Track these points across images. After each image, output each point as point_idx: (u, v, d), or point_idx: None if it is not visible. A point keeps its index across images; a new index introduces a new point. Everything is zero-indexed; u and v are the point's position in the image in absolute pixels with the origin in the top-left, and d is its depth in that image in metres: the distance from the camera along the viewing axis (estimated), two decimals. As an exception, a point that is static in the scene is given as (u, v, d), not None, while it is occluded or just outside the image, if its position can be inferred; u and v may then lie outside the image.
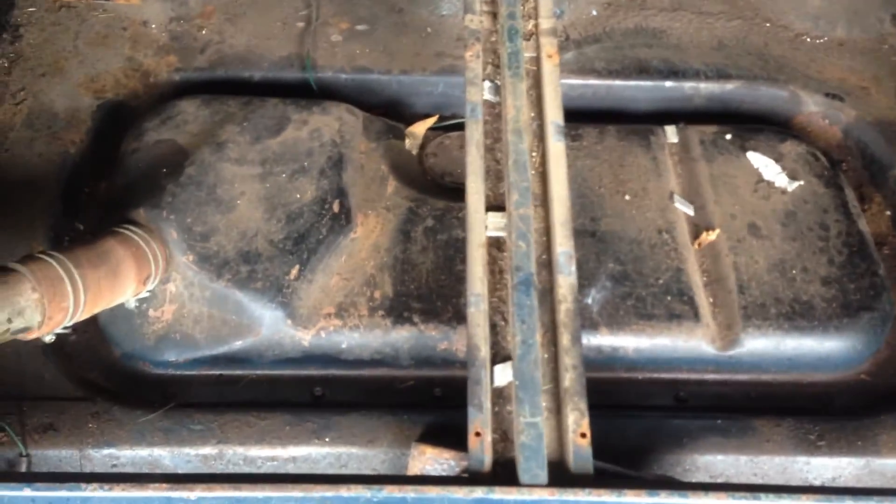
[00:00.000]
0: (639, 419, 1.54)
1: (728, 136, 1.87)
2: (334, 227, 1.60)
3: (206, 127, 1.69)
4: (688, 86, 1.99)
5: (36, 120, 1.78)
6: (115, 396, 1.47)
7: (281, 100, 1.76)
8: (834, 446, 1.49)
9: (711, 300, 1.63)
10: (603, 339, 1.58)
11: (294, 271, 1.54)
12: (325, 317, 1.54)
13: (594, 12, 2.08)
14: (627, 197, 1.75)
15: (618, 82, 1.98)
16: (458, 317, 1.55)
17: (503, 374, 1.33)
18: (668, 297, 1.61)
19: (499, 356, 1.36)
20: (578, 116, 1.93)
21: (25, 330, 1.24)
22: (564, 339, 1.32)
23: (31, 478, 1.18)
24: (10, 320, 1.20)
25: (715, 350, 1.59)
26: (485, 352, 1.32)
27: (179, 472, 1.42)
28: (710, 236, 1.71)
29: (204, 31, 1.96)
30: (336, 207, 1.62)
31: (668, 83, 1.98)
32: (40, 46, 1.89)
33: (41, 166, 1.71)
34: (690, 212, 1.75)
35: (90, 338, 1.55)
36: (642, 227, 1.70)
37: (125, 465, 1.41)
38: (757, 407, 1.56)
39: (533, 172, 1.51)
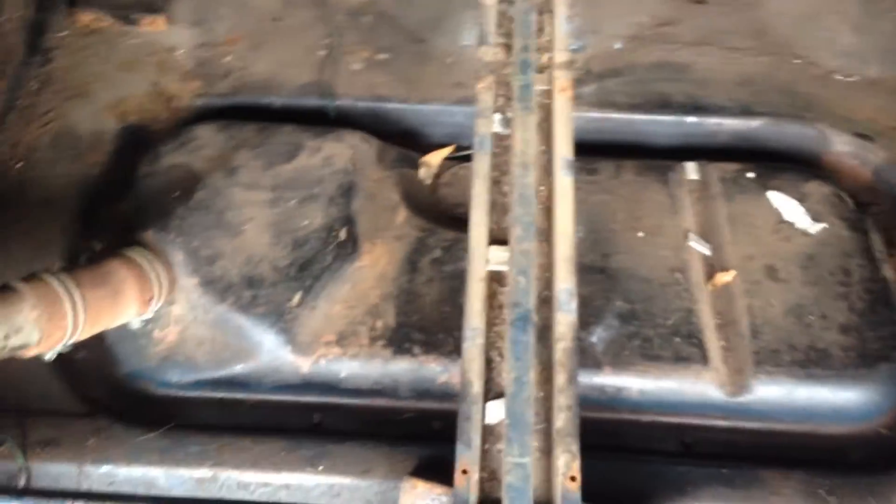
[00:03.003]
0: (641, 463, 1.50)
1: (750, 175, 1.83)
2: (340, 255, 1.61)
3: (221, 152, 1.72)
4: (711, 122, 1.96)
5: (61, 141, 1.83)
6: (117, 414, 1.49)
7: (296, 126, 1.78)
8: (845, 502, 1.43)
9: (723, 343, 1.59)
10: (606, 379, 1.55)
11: (297, 298, 1.55)
12: (326, 344, 1.54)
13: (618, 46, 2.07)
14: (641, 234, 1.73)
15: (638, 116, 1.96)
16: (460, 350, 1.53)
17: (496, 412, 1.31)
18: (677, 339, 1.57)
19: (492, 392, 1.34)
20: (597, 150, 1.91)
21: (23, 347, 1.26)
22: (560, 378, 1.30)
23: (20, 493, 1.21)
24: (6, 337, 1.22)
25: (724, 395, 1.55)
26: (478, 387, 1.30)
27: (173, 493, 1.43)
28: (724, 277, 1.67)
29: (228, 58, 1.99)
30: (343, 235, 1.63)
31: (691, 119, 1.95)
32: (69, 70, 1.94)
33: (63, 186, 1.76)
34: (706, 251, 1.71)
35: (98, 356, 1.57)
36: (654, 266, 1.67)
37: (121, 483, 1.42)
38: (766, 457, 1.51)
39: (539, 207, 1.49)
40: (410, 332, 1.56)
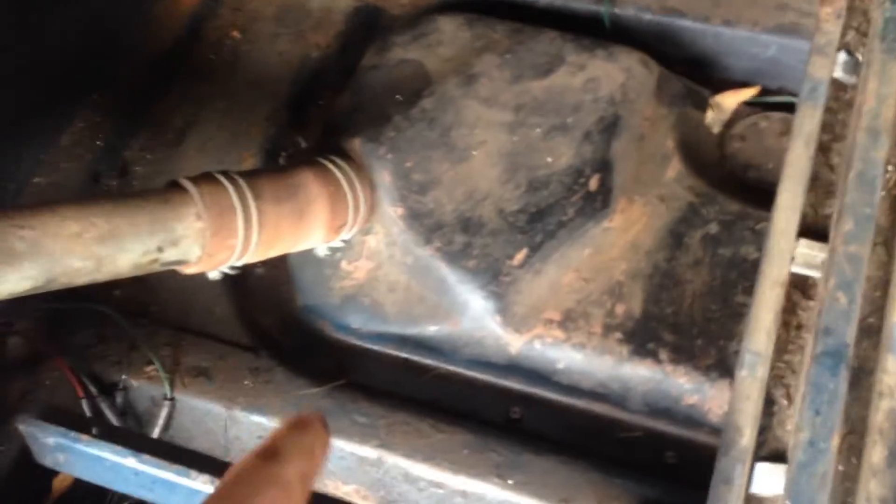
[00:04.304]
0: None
1: None
2: (585, 210, 1.23)
3: (461, 53, 1.37)
4: None
5: (287, 14, 1.57)
6: (283, 352, 1.24)
7: (560, 34, 1.39)
8: None
9: None
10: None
11: (520, 256, 1.19)
12: (546, 323, 1.18)
13: None
14: None
15: None
16: (723, 367, 1.14)
17: (768, 479, 0.93)
18: None
19: (768, 450, 0.96)
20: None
21: (179, 263, 1.02)
22: (877, 453, 0.88)
23: (140, 446, 0.98)
24: (160, 249, 0.98)
25: None
26: (748, 439, 0.93)
27: (330, 467, 1.17)
28: None
29: (494, -61, 1.62)
30: (594, 184, 1.24)
31: None
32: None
33: (278, 67, 1.50)
34: None
35: (277, 277, 1.32)
36: None
37: (273, 439, 1.18)
38: None
39: (883, 194, 1.04)
40: (659, 328, 1.17)
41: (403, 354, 1.25)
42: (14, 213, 0.89)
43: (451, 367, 1.23)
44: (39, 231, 0.89)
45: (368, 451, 1.15)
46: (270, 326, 1.28)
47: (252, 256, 1.08)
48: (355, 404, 1.18)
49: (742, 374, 0.96)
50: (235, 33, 1.55)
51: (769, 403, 0.96)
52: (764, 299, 0.98)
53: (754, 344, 0.97)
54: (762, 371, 0.96)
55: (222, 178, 1.05)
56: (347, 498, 1.18)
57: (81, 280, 0.94)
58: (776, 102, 1.44)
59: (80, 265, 0.92)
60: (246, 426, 1.18)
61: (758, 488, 0.92)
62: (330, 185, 1.15)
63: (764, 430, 0.96)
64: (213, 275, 1.09)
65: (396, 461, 1.14)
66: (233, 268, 1.09)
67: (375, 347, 1.26)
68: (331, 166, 1.17)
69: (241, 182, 1.06)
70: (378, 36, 1.52)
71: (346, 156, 1.23)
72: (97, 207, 0.94)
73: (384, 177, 1.22)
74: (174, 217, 0.99)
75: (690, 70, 1.50)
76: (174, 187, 1.03)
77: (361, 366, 1.25)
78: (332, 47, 1.55)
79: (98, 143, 1.37)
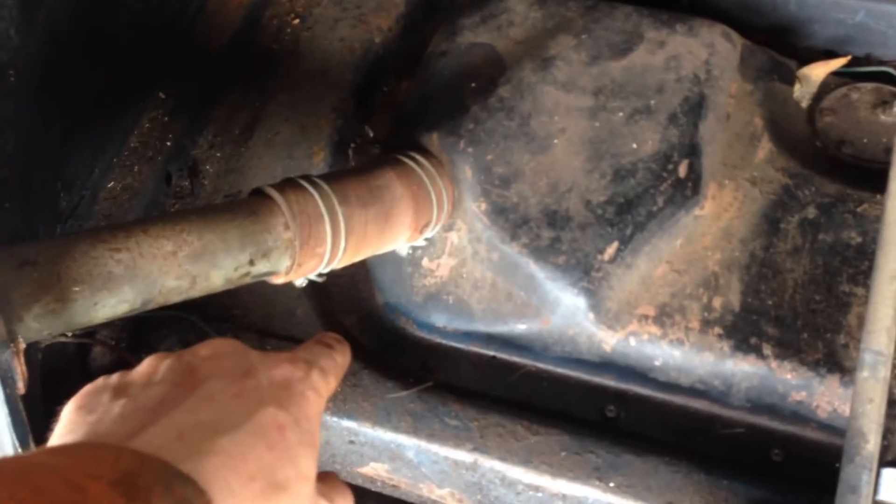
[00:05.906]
0: None
1: None
2: (675, 198, 1.18)
3: (535, 34, 1.31)
4: None
5: (346, -4, 1.52)
6: (367, 355, 1.21)
7: (636, 8, 1.32)
8: None
9: None
10: None
11: (610, 250, 1.15)
12: (640, 319, 1.14)
13: None
14: None
15: None
16: (831, 361, 1.09)
17: None
18: None
19: (894, 454, 0.93)
20: None
21: (269, 275, 0.99)
22: None
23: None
24: (252, 262, 0.95)
25: None
26: (873, 444, 0.90)
27: (424, 471, 1.15)
28: None
29: None
30: (682, 170, 1.19)
31: None
32: None
33: (340, 54, 1.45)
34: None
35: (355, 275, 1.29)
36: None
37: (363, 443, 1.16)
38: None
39: None
40: (761, 321, 1.12)
41: (490, 352, 1.22)
42: (108, 235, 0.86)
43: (542, 365, 1.19)
44: (135, 253, 0.86)
45: (463, 455, 1.12)
46: (352, 326, 1.26)
47: (339, 262, 1.05)
48: (446, 406, 1.15)
49: (863, 375, 0.91)
50: (295, 20, 1.50)
51: (891, 404, 0.93)
52: (881, 295, 0.93)
53: (874, 343, 0.92)
54: (884, 371, 0.91)
55: (307, 185, 1.01)
56: (443, 501, 1.16)
57: (175, 298, 0.91)
58: (866, 72, 1.37)
59: (175, 284, 0.89)
60: (336, 431, 1.16)
61: (886, 495, 0.88)
62: (413, 184, 1.11)
63: (888, 433, 0.93)
64: (300, 282, 1.06)
65: (493, 465, 1.11)
66: (320, 275, 1.06)
67: (461, 346, 1.23)
68: (412, 164, 1.13)
69: (326, 187, 1.02)
70: (441, 17, 1.47)
71: (425, 150, 1.19)
72: (187, 224, 0.91)
73: (465, 172, 1.18)
74: (263, 229, 0.96)
75: (772, 39, 1.43)
76: (259, 196, 1.00)
77: (447, 364, 1.22)
78: (393, 30, 1.49)
79: (167, 143, 1.34)
